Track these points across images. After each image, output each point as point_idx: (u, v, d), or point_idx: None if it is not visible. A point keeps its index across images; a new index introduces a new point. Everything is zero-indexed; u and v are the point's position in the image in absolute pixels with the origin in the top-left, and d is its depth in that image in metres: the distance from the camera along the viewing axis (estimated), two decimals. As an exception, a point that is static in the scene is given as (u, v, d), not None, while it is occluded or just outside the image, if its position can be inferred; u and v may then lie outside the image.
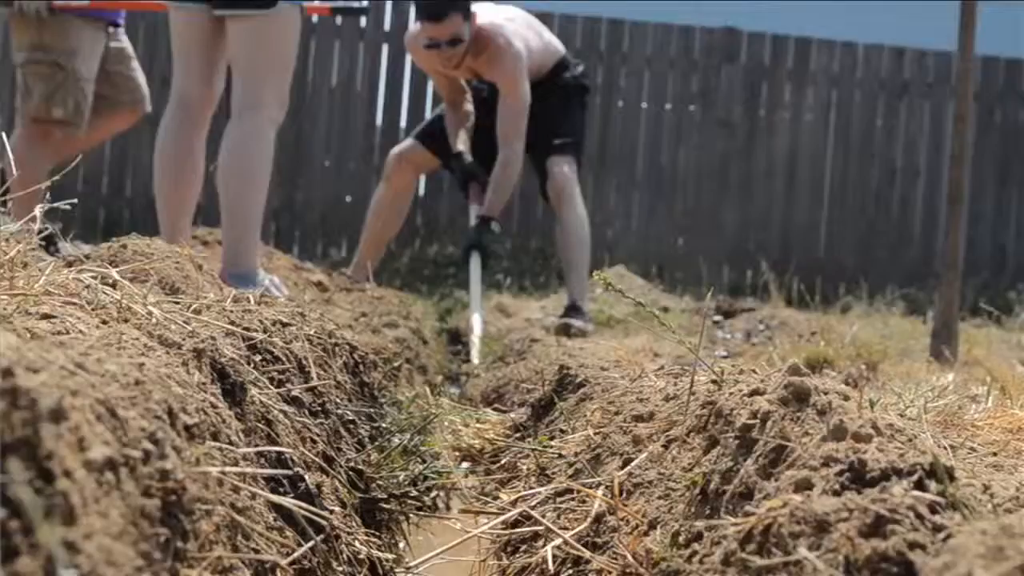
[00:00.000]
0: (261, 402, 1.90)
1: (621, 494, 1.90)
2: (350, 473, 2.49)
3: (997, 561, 1.08)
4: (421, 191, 11.99)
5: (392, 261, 10.32)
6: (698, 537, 1.62)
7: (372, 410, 2.96)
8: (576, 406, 3.02)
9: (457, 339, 7.51)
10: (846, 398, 1.73)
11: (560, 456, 2.38)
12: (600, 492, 1.91)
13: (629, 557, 1.67)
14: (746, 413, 1.73)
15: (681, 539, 1.67)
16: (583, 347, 4.66)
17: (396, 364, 3.80)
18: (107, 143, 10.33)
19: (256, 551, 1.62)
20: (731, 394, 1.84)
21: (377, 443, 2.65)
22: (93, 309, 1.82)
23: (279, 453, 1.89)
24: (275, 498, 1.66)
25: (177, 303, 2.19)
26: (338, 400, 2.73)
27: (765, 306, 8.69)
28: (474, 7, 6.98)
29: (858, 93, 12.69)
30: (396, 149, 7.78)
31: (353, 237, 9.83)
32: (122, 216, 11.15)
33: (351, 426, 2.76)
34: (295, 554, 1.72)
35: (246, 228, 4.99)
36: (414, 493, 2.63)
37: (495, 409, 3.84)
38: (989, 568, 1.08)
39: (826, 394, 1.70)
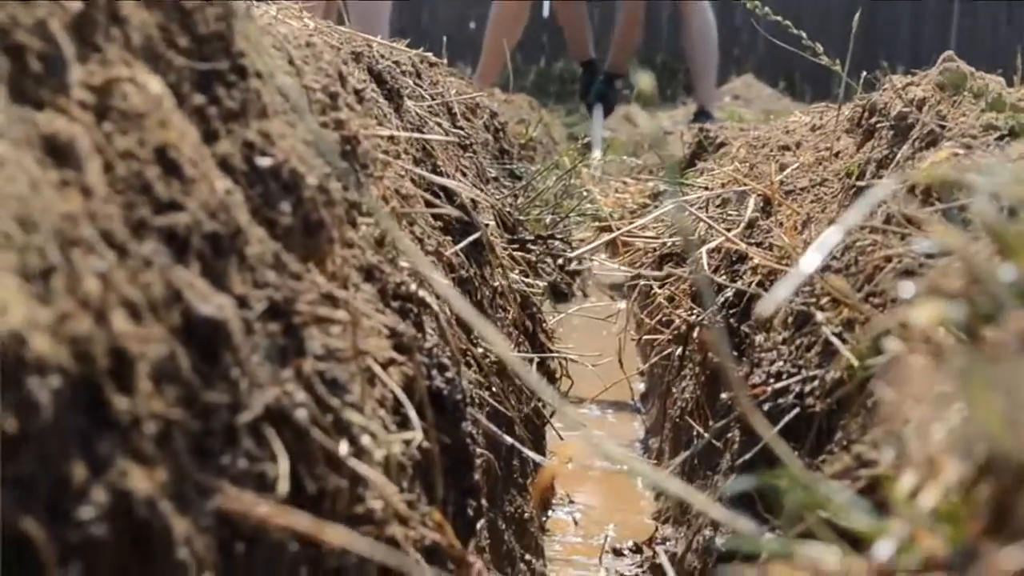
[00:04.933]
0: (417, 113, 1.92)
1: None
2: (498, 216, 2.53)
3: None
4: (545, 12, 11.91)
5: (519, 78, 10.30)
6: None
7: (514, 166, 2.99)
8: (718, 161, 3.02)
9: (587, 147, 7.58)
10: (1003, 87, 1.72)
11: (707, 189, 2.39)
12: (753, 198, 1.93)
13: (787, 243, 1.69)
14: (901, 102, 1.72)
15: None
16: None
17: (532, 134, 3.81)
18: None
19: (419, 238, 1.66)
20: (884, 90, 1.83)
21: (521, 185, 2.68)
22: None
23: (435, 165, 1.92)
24: (438, 180, 1.69)
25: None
26: (482, 159, 2.77)
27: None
28: None
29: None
30: None
31: (477, 59, 9.84)
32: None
33: (495, 182, 2.79)
34: (456, 247, 1.76)
35: (373, 32, 5.03)
36: (559, 236, 2.66)
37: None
38: None
39: (983, 79, 1.69)
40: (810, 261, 1.23)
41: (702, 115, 7.09)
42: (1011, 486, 0.62)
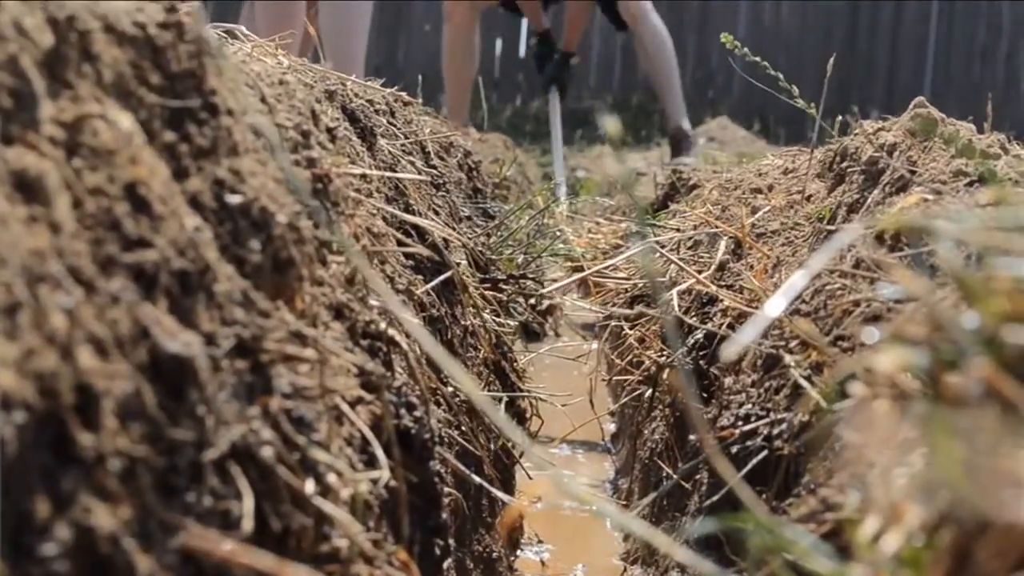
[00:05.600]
0: (389, 152, 1.93)
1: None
2: (470, 255, 2.53)
3: None
4: (521, 52, 11.99)
5: (494, 117, 10.34)
6: (826, 258, 1.64)
7: (487, 205, 3.00)
8: (690, 203, 3.03)
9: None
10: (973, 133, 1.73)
11: (678, 231, 2.40)
12: (723, 242, 1.93)
13: (756, 286, 1.69)
14: (872, 147, 1.74)
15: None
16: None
17: (506, 173, 3.82)
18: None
19: (390, 277, 1.66)
20: (856, 135, 1.84)
21: (494, 224, 2.68)
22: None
23: (407, 204, 1.93)
24: (410, 218, 1.70)
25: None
26: (456, 198, 2.77)
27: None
28: None
29: (967, -55, 12.42)
30: None
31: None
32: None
33: (468, 221, 2.80)
34: (427, 286, 1.76)
35: (349, 69, 5.04)
36: (532, 276, 2.66)
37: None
38: None
39: (953, 125, 1.70)
40: (775, 306, 1.24)
41: (679, 133, 7.05)
42: (971, 532, 0.62)
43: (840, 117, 2.30)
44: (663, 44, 7.26)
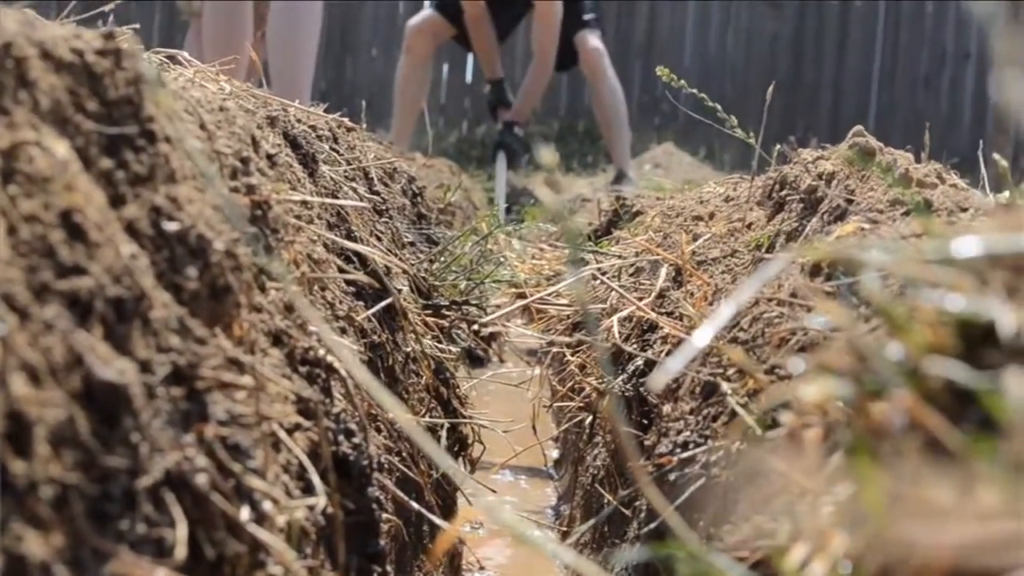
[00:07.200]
0: (332, 179, 1.93)
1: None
2: (412, 281, 2.53)
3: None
4: (468, 77, 12.03)
5: (440, 142, 10.35)
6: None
7: (431, 231, 3.00)
8: (632, 230, 3.05)
9: (507, 211, 7.64)
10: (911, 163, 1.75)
11: (620, 258, 2.42)
12: (664, 267, 1.95)
13: (694, 314, 1.71)
14: (810, 176, 1.76)
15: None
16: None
17: (450, 199, 3.83)
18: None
19: (331, 303, 1.66)
20: (795, 164, 1.86)
21: (437, 250, 2.68)
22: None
23: (349, 230, 1.93)
24: (351, 245, 1.70)
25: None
26: (399, 223, 2.77)
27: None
28: None
29: (909, -25, 12.58)
30: (413, 20, 8.03)
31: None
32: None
33: (411, 247, 2.80)
34: (368, 312, 1.76)
35: (294, 93, 5.05)
36: (474, 302, 2.66)
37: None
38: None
39: (891, 154, 1.72)
40: (702, 335, 1.25)
41: (621, 177, 7.22)
42: (893, 560, 0.63)
43: (779, 146, 2.32)
44: (619, 101, 7.54)
